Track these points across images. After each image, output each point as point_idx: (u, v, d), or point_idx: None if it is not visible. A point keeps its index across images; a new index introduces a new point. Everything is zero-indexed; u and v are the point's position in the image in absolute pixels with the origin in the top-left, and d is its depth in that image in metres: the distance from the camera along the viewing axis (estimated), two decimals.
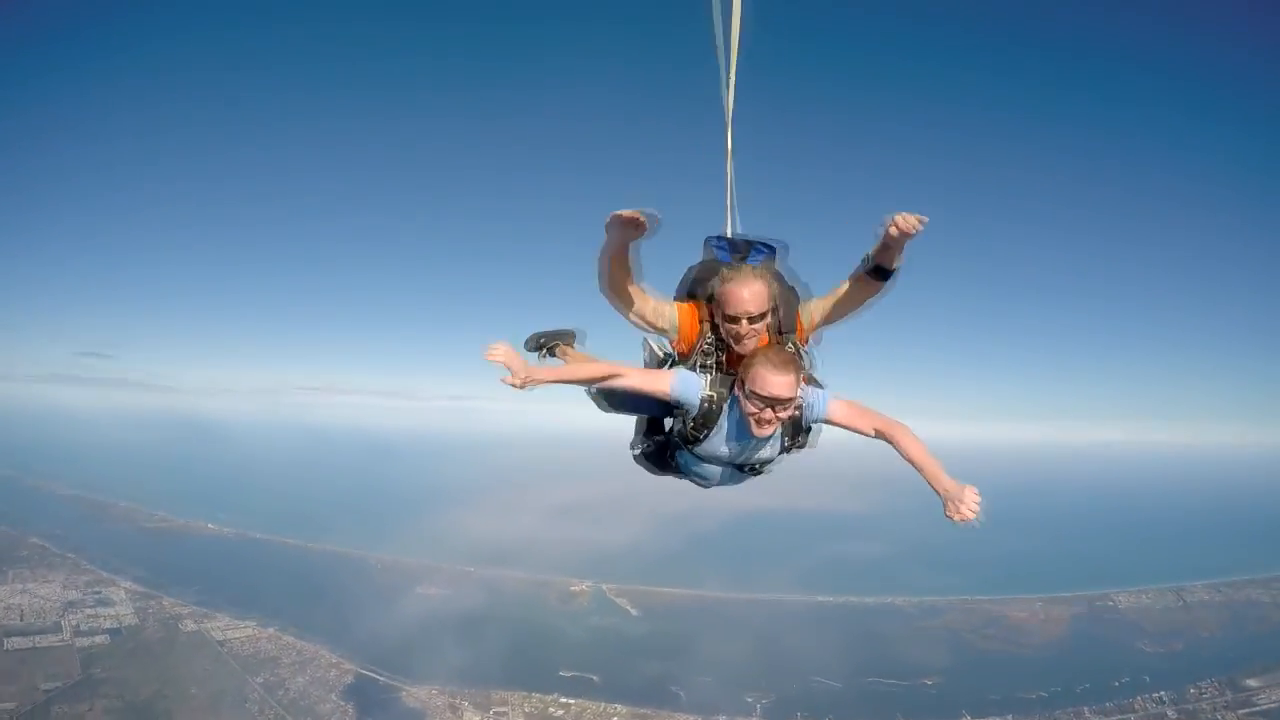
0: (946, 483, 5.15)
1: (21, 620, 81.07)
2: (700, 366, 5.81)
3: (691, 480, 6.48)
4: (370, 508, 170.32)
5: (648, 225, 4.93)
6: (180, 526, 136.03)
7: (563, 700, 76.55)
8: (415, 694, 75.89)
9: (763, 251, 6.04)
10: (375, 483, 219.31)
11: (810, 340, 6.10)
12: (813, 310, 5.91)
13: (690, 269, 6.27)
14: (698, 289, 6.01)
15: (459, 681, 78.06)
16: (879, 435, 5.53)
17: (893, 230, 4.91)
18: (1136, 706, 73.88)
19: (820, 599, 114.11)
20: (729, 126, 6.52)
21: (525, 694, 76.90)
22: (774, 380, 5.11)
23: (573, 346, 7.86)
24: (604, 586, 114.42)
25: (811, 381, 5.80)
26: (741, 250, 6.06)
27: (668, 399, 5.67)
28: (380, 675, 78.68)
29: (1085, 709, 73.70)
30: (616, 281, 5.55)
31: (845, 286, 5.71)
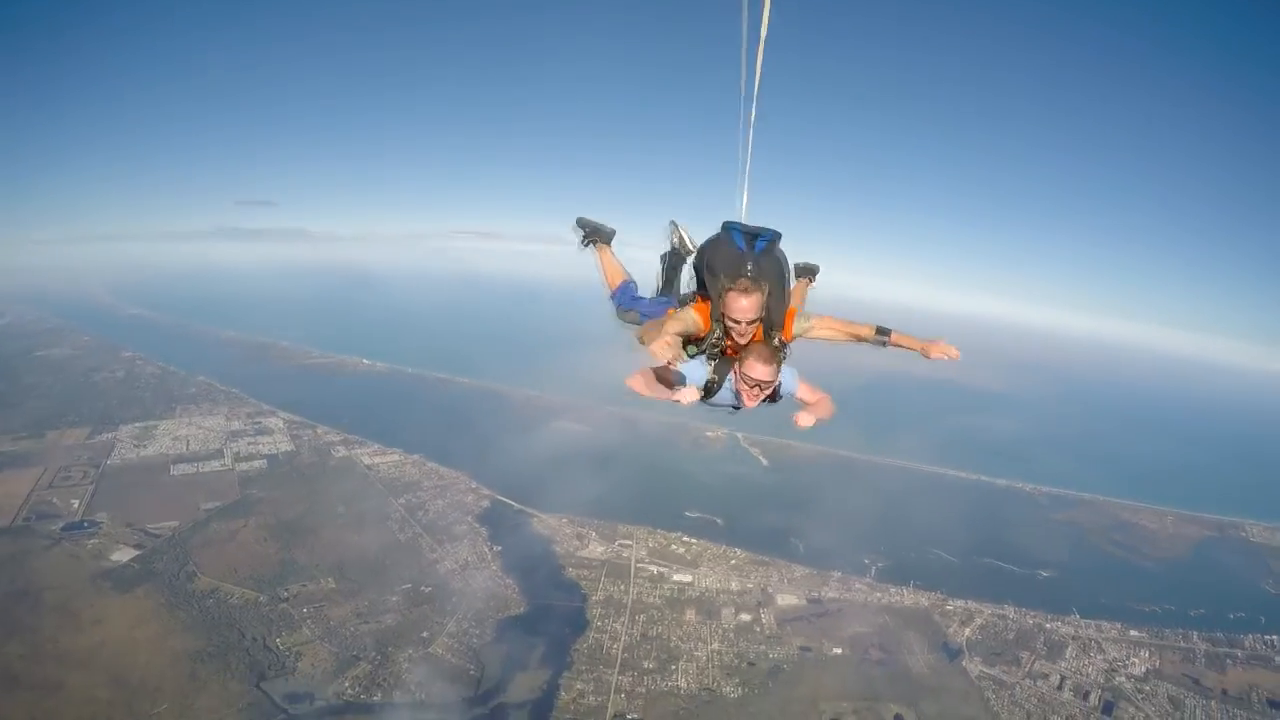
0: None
1: (188, 449, 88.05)
2: (708, 356, 7.52)
3: None
4: (516, 348, 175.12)
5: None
6: (336, 364, 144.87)
7: (685, 539, 76.82)
8: (545, 521, 77.77)
9: (768, 237, 7.62)
10: (522, 325, 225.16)
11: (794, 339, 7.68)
12: (815, 326, 7.65)
13: (707, 245, 7.83)
14: (706, 275, 7.62)
15: (588, 513, 79.35)
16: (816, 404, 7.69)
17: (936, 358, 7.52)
18: (1246, 644, 66.68)
19: (951, 473, 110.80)
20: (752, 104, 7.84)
21: (650, 529, 77.43)
22: (760, 369, 7.07)
23: (610, 246, 10.04)
24: (738, 434, 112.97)
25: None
26: (752, 234, 7.61)
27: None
28: (514, 503, 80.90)
29: (1194, 633, 67.62)
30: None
31: (856, 332, 7.61)
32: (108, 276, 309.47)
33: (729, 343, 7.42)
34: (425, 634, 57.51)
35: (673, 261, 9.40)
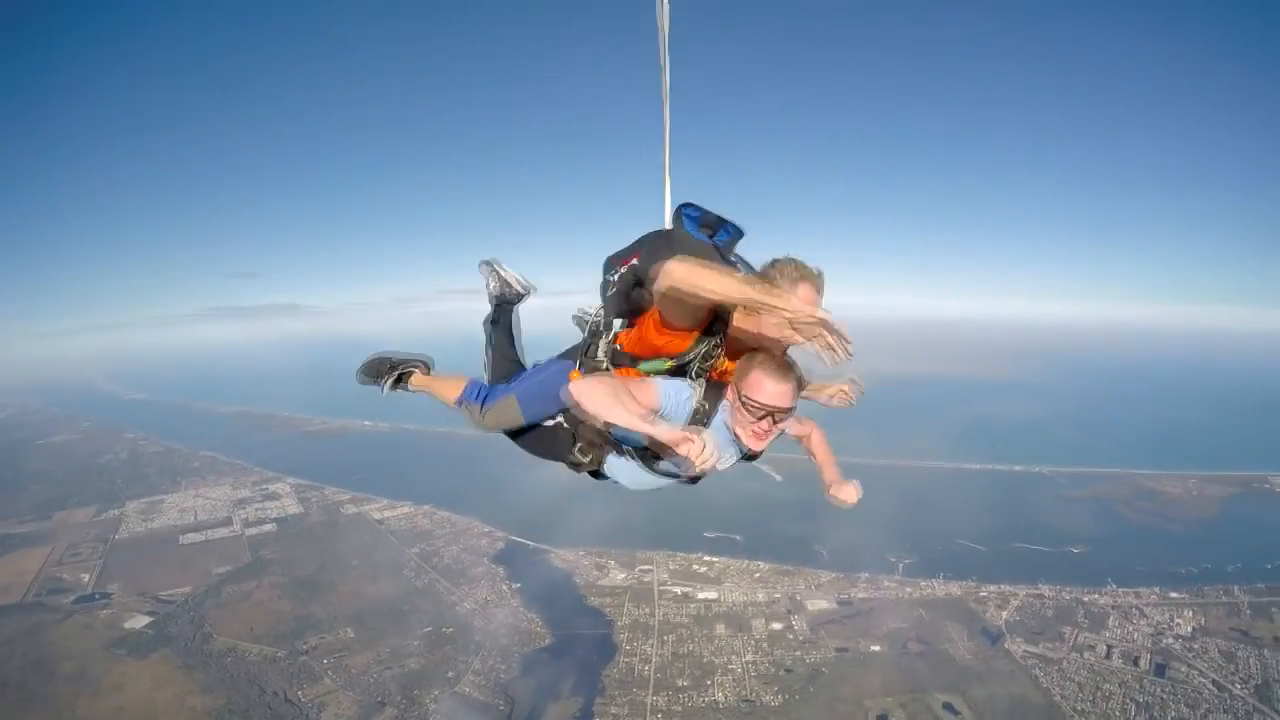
0: (833, 475, 5.85)
1: (196, 519, 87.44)
2: (697, 372, 5.09)
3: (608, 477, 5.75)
4: None
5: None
6: (338, 428, 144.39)
7: (706, 558, 75.86)
8: (562, 555, 76.90)
9: (729, 233, 5.24)
10: None
11: None
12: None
13: (656, 238, 5.12)
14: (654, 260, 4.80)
15: (604, 542, 78.39)
16: (804, 439, 6.17)
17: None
18: None
19: (965, 465, 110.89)
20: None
21: (670, 553, 76.42)
22: (776, 388, 4.68)
23: (427, 372, 7.02)
24: None
25: None
26: (712, 226, 5.19)
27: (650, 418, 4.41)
28: (529, 541, 79.96)
29: (1235, 588, 67.19)
30: None
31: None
32: (105, 365, 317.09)
33: (720, 356, 5.15)
34: (450, 674, 55.97)
35: (499, 317, 7.03)
